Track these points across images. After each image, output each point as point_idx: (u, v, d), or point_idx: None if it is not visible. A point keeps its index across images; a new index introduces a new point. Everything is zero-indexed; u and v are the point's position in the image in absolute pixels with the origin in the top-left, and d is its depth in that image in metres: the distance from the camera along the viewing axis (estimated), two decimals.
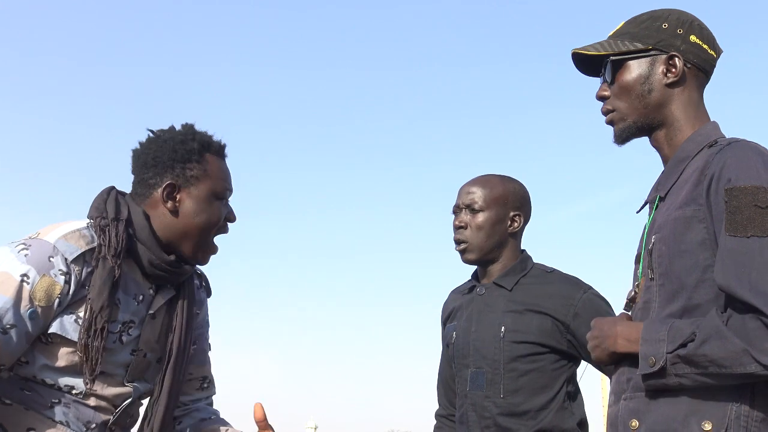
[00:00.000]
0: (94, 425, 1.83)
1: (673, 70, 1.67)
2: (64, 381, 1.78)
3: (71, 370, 1.78)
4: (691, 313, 1.48)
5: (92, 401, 1.82)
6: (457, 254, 2.43)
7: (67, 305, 1.75)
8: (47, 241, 1.75)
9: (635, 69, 1.69)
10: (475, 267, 2.47)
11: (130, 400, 1.89)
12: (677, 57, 1.67)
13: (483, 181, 2.42)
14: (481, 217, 2.36)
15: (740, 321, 1.37)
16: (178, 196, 1.88)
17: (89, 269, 1.77)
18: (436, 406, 2.60)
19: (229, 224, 1.97)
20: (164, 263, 1.87)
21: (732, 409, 1.41)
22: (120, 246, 1.79)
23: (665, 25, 1.69)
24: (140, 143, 1.94)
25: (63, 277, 1.73)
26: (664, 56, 1.68)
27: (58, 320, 1.75)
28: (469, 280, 2.51)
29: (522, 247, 2.45)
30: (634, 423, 1.51)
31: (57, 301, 1.72)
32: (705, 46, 1.69)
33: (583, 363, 2.37)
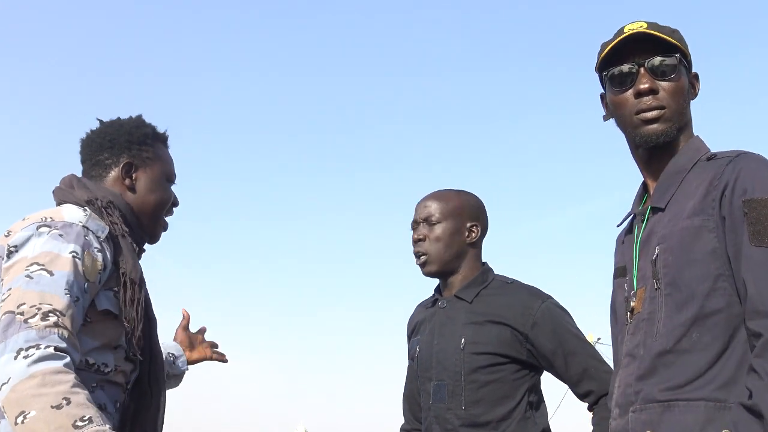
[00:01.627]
0: (119, 404, 1.88)
1: (697, 88, 1.71)
2: (102, 359, 1.81)
3: (107, 347, 1.82)
4: (704, 322, 1.50)
5: (119, 377, 1.87)
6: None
7: (104, 282, 1.81)
8: (71, 221, 1.79)
9: (684, 76, 1.68)
10: (437, 280, 2.50)
11: (137, 372, 1.94)
12: (697, 75, 1.72)
13: (438, 195, 2.47)
14: (438, 229, 2.40)
15: None
16: (134, 175, 2.00)
17: (112, 246, 1.85)
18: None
19: (174, 209, 2.11)
20: (144, 241, 2.02)
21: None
22: (124, 226, 1.91)
23: (683, 41, 1.71)
24: (91, 131, 2.05)
25: (100, 254, 1.79)
26: (691, 73, 1.71)
27: (103, 298, 1.80)
28: (432, 294, 2.55)
29: (483, 260, 2.48)
30: None
31: (99, 278, 1.78)
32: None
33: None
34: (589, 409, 2.35)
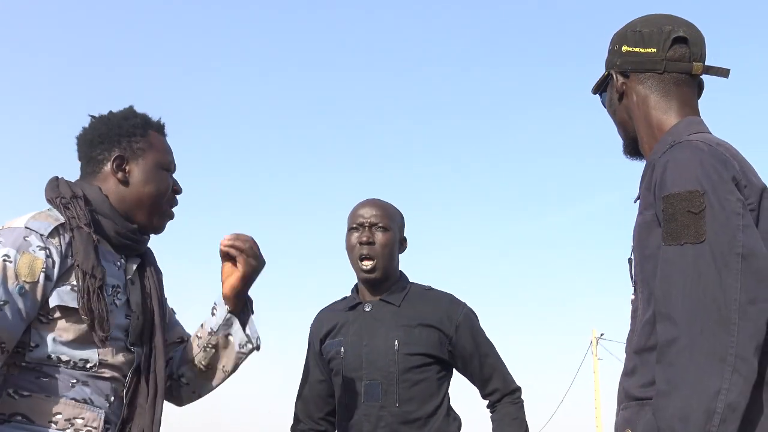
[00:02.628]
0: (113, 398, 1.88)
1: (614, 87, 1.75)
2: (78, 354, 1.81)
3: (82, 341, 1.81)
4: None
5: (107, 372, 1.86)
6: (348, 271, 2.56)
7: (58, 278, 1.80)
8: (16, 226, 1.81)
9: (607, 95, 1.81)
10: (354, 284, 2.61)
11: (135, 365, 1.93)
12: (611, 73, 1.75)
13: (382, 204, 2.57)
14: (388, 236, 2.50)
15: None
16: (127, 168, 1.98)
17: (66, 240, 1.83)
18: None
19: (177, 196, 2.08)
20: (129, 232, 1.97)
21: None
22: (87, 218, 1.87)
23: (610, 47, 1.78)
24: (83, 128, 2.04)
25: (42, 251, 1.78)
26: (620, 80, 1.75)
27: (54, 294, 1.79)
28: (345, 298, 2.62)
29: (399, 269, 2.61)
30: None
31: (42, 275, 1.77)
32: (636, 49, 1.70)
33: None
34: (491, 405, 2.54)
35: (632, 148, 1.78)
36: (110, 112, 2.05)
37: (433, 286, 2.61)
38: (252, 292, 2.07)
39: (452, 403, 2.54)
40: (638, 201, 1.63)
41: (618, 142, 1.83)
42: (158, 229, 2.05)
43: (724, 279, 1.36)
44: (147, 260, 2.06)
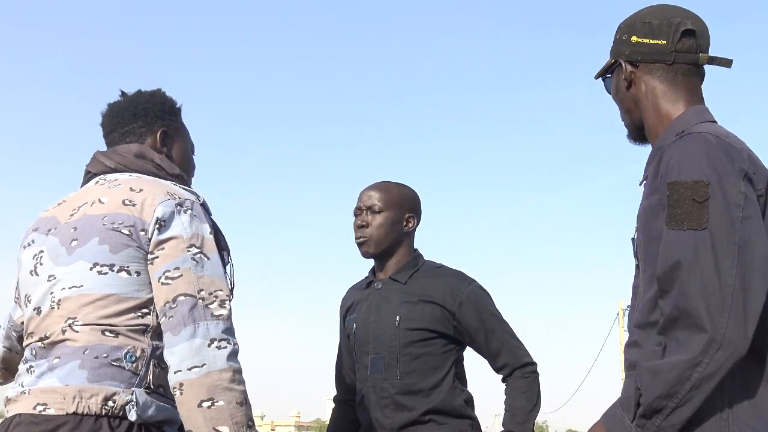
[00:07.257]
0: None
1: (623, 75, 1.79)
2: None
3: None
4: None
5: None
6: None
7: None
8: (190, 198, 1.82)
9: (613, 82, 1.86)
10: (371, 264, 2.73)
11: None
12: (621, 62, 1.80)
13: (382, 186, 2.70)
14: (381, 218, 2.63)
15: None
16: (169, 144, 2.01)
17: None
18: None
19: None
20: None
21: None
22: None
23: (617, 36, 1.83)
24: (118, 101, 2.02)
25: (211, 227, 1.83)
26: (619, 65, 1.82)
27: None
28: (365, 277, 2.78)
29: (415, 246, 2.72)
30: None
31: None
32: (646, 40, 1.76)
33: None
34: (504, 380, 2.63)
35: (637, 134, 1.84)
36: (140, 90, 2.03)
37: (445, 264, 2.69)
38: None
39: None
40: (644, 185, 1.71)
41: (620, 124, 1.88)
42: None
43: (720, 264, 1.45)
44: None
